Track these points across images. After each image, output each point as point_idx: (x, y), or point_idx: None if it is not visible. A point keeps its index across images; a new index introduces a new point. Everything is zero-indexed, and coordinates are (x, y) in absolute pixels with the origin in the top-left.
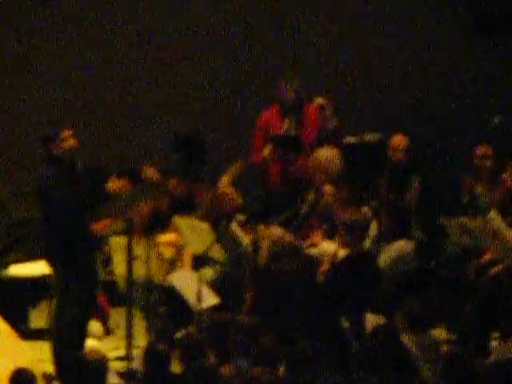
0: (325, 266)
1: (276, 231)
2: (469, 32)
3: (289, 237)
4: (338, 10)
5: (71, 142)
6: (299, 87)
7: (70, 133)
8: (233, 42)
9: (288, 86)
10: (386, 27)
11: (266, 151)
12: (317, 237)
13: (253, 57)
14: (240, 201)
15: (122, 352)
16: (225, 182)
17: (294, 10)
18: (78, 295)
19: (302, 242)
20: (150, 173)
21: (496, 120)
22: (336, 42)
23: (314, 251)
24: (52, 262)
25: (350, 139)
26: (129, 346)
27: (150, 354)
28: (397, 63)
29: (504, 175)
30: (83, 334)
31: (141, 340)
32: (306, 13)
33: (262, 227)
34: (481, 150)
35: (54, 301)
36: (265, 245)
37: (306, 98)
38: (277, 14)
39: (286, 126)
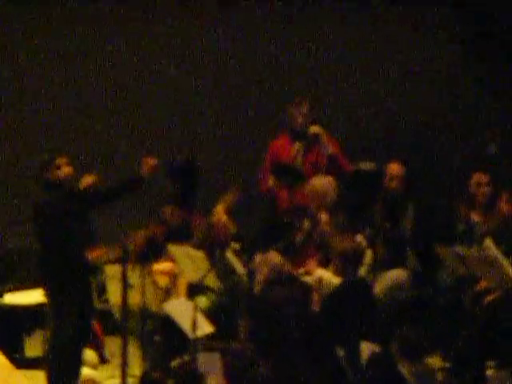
0: (319, 295)
1: (275, 258)
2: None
3: (287, 265)
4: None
5: (66, 170)
6: (308, 112)
7: (65, 160)
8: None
9: (298, 111)
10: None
11: (271, 181)
12: (312, 264)
13: (253, 87)
14: (234, 229)
15: (117, 381)
16: (219, 211)
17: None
18: (73, 323)
19: (297, 269)
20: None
21: (492, 148)
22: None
23: (309, 279)
24: (47, 290)
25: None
26: (124, 375)
27: (145, 382)
28: (394, 93)
29: (500, 203)
30: (78, 362)
31: (136, 369)
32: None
33: (259, 255)
34: (476, 178)
35: (49, 329)
36: (262, 272)
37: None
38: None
39: (294, 152)
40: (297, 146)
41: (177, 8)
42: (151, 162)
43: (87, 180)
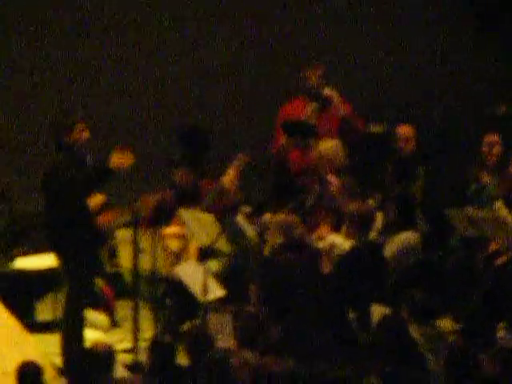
0: (331, 259)
1: (288, 218)
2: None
3: (299, 227)
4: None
5: (84, 135)
6: (323, 74)
7: (84, 125)
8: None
9: (313, 73)
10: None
11: (282, 140)
12: (324, 229)
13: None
14: (242, 194)
15: (128, 344)
16: (230, 175)
17: None
18: (84, 288)
19: (309, 233)
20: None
21: (501, 109)
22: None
23: (321, 245)
24: (57, 255)
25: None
26: (135, 339)
27: (156, 346)
28: (406, 61)
29: (510, 168)
30: (86, 325)
31: (147, 332)
32: None
33: (269, 216)
34: (489, 138)
35: (61, 294)
36: (273, 234)
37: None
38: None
39: (308, 113)
40: (312, 106)
41: None
42: (123, 156)
43: (97, 199)
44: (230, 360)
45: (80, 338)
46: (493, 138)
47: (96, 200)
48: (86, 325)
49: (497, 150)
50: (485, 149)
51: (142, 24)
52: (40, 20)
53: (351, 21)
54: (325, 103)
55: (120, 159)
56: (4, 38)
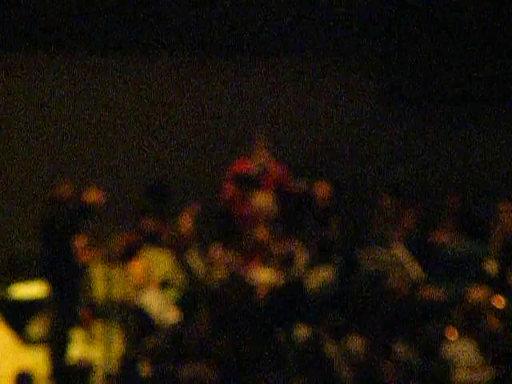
0: (263, 291)
1: (230, 256)
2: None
3: (237, 262)
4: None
5: (69, 193)
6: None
7: (68, 186)
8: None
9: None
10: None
11: (231, 190)
12: (256, 264)
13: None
14: (195, 235)
15: (102, 357)
16: (184, 220)
17: None
18: (68, 310)
19: (244, 266)
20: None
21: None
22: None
23: (253, 277)
24: (47, 283)
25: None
26: (108, 351)
27: (124, 359)
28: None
29: (404, 218)
30: (69, 340)
31: (117, 346)
32: None
33: (217, 251)
34: (385, 199)
35: (49, 314)
36: (218, 269)
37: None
38: None
39: (254, 170)
40: (257, 164)
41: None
42: (97, 193)
43: (93, 195)
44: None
45: (65, 350)
46: (387, 199)
47: (79, 242)
48: (69, 340)
49: (391, 208)
50: (383, 208)
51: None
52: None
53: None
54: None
55: (95, 195)
56: None
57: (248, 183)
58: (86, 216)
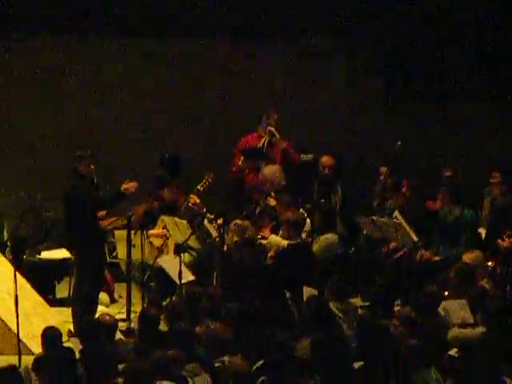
0: (272, 253)
1: (242, 223)
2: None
3: (250, 229)
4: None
5: (91, 166)
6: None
7: (92, 159)
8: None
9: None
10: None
11: (241, 162)
12: (266, 231)
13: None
14: (205, 206)
15: (123, 315)
16: (196, 192)
17: None
18: (91, 274)
19: (256, 234)
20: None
21: (398, 145)
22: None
23: (264, 242)
24: (72, 249)
25: None
26: (128, 311)
27: (144, 317)
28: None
29: (403, 189)
30: (95, 302)
31: (137, 307)
32: None
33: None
34: (383, 170)
35: (74, 278)
36: (232, 234)
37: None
38: None
39: (260, 144)
40: (264, 138)
41: None
42: (130, 185)
43: (130, 185)
44: (196, 328)
45: (90, 310)
46: (384, 169)
47: (130, 185)
48: (94, 300)
49: (386, 178)
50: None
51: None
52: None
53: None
54: (271, 138)
55: (129, 186)
56: None
57: (256, 156)
58: (120, 199)
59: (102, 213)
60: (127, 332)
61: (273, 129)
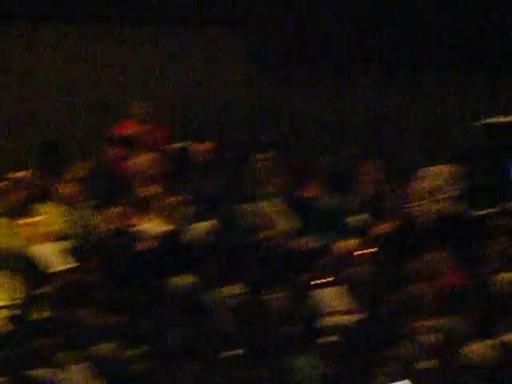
0: (147, 242)
1: (118, 211)
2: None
3: (125, 217)
4: None
5: None
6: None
7: None
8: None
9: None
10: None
11: (111, 150)
12: (140, 219)
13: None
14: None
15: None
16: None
17: None
18: None
19: (130, 220)
20: None
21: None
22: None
23: (138, 229)
24: None
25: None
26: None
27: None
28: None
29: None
30: None
31: (15, 295)
32: None
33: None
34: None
35: None
36: (107, 223)
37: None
38: None
39: (130, 132)
40: (134, 127)
41: None
42: None
43: None
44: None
45: None
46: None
47: None
48: None
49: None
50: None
51: None
52: None
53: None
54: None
55: None
56: None
57: (128, 144)
58: None
59: None
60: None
61: (144, 116)
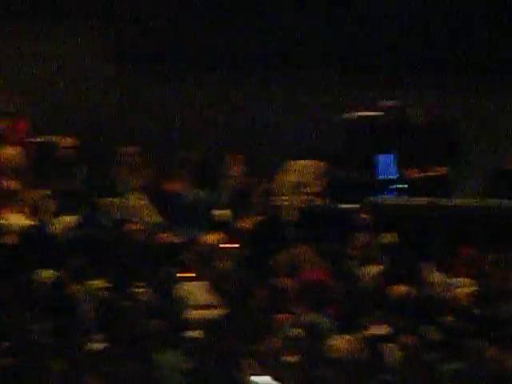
0: (11, 236)
1: None
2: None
3: None
4: None
5: None
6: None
7: None
8: None
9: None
10: None
11: None
12: (6, 212)
13: None
14: None
15: None
16: None
17: None
18: None
19: None
20: None
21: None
22: None
23: (2, 222)
24: None
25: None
26: None
27: None
28: None
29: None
30: None
31: None
32: None
33: None
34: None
35: None
36: None
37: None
38: None
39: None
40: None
41: None
42: None
43: None
44: None
45: None
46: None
47: None
48: None
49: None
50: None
51: None
52: None
53: None
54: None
55: None
56: None
57: None
58: None
59: None
60: None
61: (6, 110)
